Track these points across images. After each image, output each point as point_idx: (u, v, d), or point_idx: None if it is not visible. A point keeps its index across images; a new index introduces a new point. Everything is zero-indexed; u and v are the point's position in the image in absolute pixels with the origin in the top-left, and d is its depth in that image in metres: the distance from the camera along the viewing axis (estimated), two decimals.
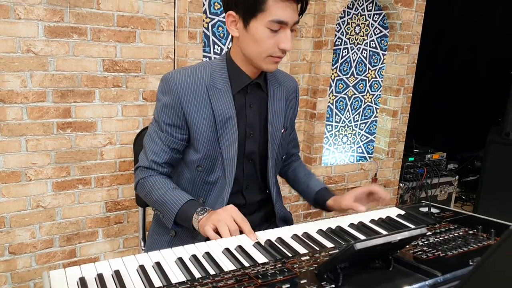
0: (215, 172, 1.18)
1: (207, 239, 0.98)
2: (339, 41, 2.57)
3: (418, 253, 0.91)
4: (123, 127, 2.05)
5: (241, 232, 0.98)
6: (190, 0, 1.93)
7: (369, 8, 2.61)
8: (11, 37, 1.74)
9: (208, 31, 2.11)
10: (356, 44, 2.64)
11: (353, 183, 2.72)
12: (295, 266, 0.79)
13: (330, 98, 2.64)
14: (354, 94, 2.74)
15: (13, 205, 1.89)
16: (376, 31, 2.69)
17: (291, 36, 1.07)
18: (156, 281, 0.75)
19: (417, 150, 3.23)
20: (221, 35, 2.15)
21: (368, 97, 2.80)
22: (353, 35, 2.61)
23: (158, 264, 0.80)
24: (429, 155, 3.22)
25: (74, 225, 2.04)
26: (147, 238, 1.38)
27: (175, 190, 1.11)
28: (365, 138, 2.88)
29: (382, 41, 2.73)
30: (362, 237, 1.03)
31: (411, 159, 3.13)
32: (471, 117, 3.82)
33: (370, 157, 2.91)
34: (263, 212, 1.30)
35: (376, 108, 2.85)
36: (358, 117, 2.81)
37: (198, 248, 0.88)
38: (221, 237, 0.96)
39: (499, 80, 3.50)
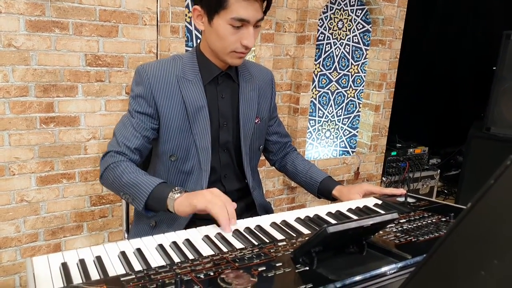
0: (189, 161, 1.21)
1: (187, 227, 1.00)
2: (322, 36, 2.60)
3: (391, 238, 0.95)
4: (107, 121, 2.05)
5: None
6: None
7: (351, 3, 2.65)
8: None
9: (191, 25, 2.12)
10: (339, 39, 2.68)
11: (336, 176, 2.76)
12: (271, 251, 0.82)
13: (313, 93, 2.68)
14: (337, 89, 2.78)
15: None
16: (359, 26, 2.73)
17: (253, 33, 1.10)
18: (137, 265, 0.77)
19: (400, 145, 3.30)
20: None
21: (351, 92, 2.85)
22: (336, 30, 2.65)
23: (139, 250, 0.82)
24: (411, 150, 3.29)
25: (59, 219, 2.04)
26: (130, 231, 1.40)
27: (147, 175, 1.11)
28: (348, 132, 2.93)
29: (365, 36, 2.78)
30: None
31: (393, 153, 3.19)
32: (454, 112, 3.88)
33: (353, 152, 2.96)
34: (243, 202, 1.33)
35: (359, 103, 2.90)
36: (341, 112, 2.85)
37: (179, 235, 0.90)
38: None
39: (481, 75, 3.55)
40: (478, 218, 0.55)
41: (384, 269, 0.80)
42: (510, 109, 2.79)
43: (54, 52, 1.87)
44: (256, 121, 1.29)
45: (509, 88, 2.77)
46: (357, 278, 0.76)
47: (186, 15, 2.06)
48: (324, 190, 1.37)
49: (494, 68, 2.83)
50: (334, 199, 1.36)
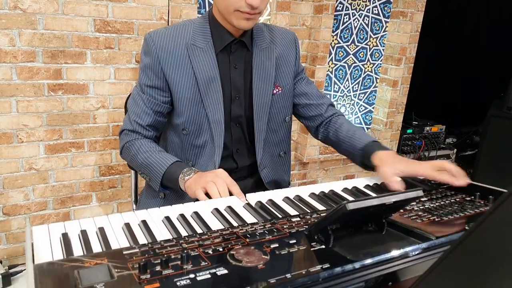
0: (202, 136, 1.14)
1: (196, 200, 0.95)
2: (340, 6, 2.48)
3: (413, 217, 0.89)
4: (116, 90, 2.00)
5: (231, 194, 0.96)
6: None
7: None
8: None
9: None
10: (358, 10, 2.55)
11: None
12: (285, 227, 0.76)
13: (329, 66, 2.58)
14: (354, 62, 2.67)
15: (5, 166, 1.86)
16: None
17: None
18: (142, 238, 0.72)
19: (416, 122, 3.20)
20: None
21: (368, 66, 2.74)
22: (355, 0, 2.52)
23: (144, 222, 0.78)
24: (428, 128, 3.19)
25: (68, 188, 2.02)
26: (138, 201, 1.37)
27: (160, 152, 1.08)
28: (363, 108, 2.83)
29: (385, 8, 2.64)
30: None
31: (409, 131, 3.09)
32: (473, 91, 3.76)
33: (368, 128, 2.87)
34: (255, 177, 1.27)
35: (376, 78, 2.79)
36: (357, 87, 2.75)
37: (187, 208, 0.85)
38: (210, 198, 0.93)
39: (503, 54, 3.43)
40: None
41: (406, 249, 0.74)
42: None
43: (62, 16, 1.80)
44: (274, 91, 1.19)
45: None
46: (377, 258, 0.70)
47: None
48: (365, 159, 1.14)
49: None
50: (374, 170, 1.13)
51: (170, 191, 1.11)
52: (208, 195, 0.94)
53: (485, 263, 0.49)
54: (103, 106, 1.99)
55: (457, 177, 1.03)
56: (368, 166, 1.15)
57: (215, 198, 0.91)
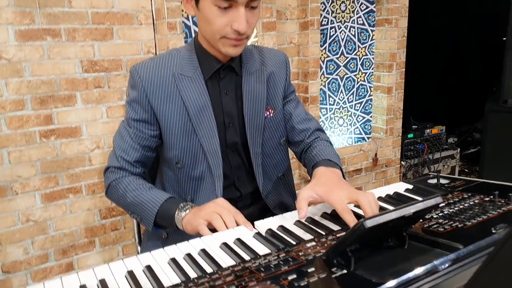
0: (198, 167, 1.09)
1: (200, 236, 0.89)
2: (325, 21, 2.48)
3: (434, 226, 0.84)
4: (110, 129, 1.96)
5: (238, 225, 0.90)
6: None
7: None
8: None
9: (188, 20, 2.02)
10: (343, 22, 2.56)
11: (353, 165, 2.64)
12: (300, 254, 0.71)
13: (321, 80, 2.56)
14: (346, 74, 2.66)
15: (2, 221, 1.80)
16: (362, 7, 2.60)
17: (244, 14, 0.93)
18: (147, 285, 0.66)
19: (416, 126, 3.16)
20: (196, 19, 2.06)
21: (360, 76, 2.72)
22: (339, 13, 2.53)
23: (149, 267, 0.72)
24: (428, 130, 3.16)
25: (69, 237, 1.95)
26: (142, 241, 1.31)
27: (151, 189, 1.03)
28: (361, 118, 2.80)
29: (370, 17, 2.65)
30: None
31: (410, 135, 3.05)
32: (466, 88, 3.76)
33: (368, 138, 2.83)
34: (260, 204, 1.20)
35: (370, 87, 2.77)
36: (353, 97, 2.73)
37: (193, 246, 0.79)
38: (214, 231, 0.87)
39: (490, 48, 3.44)
40: None
41: (434, 263, 0.68)
42: None
43: (48, 61, 1.78)
44: (266, 114, 1.14)
45: None
46: (405, 277, 0.64)
47: (182, 10, 1.95)
48: (310, 174, 1.07)
49: (504, 38, 2.70)
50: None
51: (163, 230, 1.05)
52: (212, 229, 0.88)
53: None
54: (98, 147, 1.95)
55: (366, 215, 0.85)
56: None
57: (222, 231, 0.85)
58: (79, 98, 1.87)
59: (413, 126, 3.15)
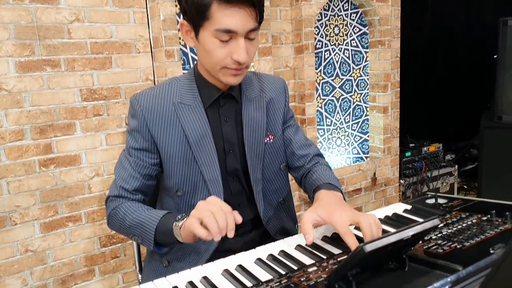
0: (198, 195, 1.09)
1: (205, 262, 0.89)
2: (319, 44, 2.54)
3: (433, 247, 0.84)
4: (109, 156, 1.97)
5: (239, 251, 0.89)
6: (164, 19, 1.88)
7: (345, 8, 2.59)
8: None
9: (186, 48, 2.06)
10: (337, 45, 2.61)
11: (352, 185, 2.65)
12: (302, 279, 0.71)
13: (318, 102, 2.59)
14: (342, 95, 2.69)
15: (0, 253, 1.79)
16: (355, 29, 2.66)
17: (244, 45, 0.95)
18: None
19: (413, 145, 3.18)
20: (196, 50, 2.10)
21: (356, 97, 2.76)
22: (332, 36, 2.58)
23: None
24: (425, 148, 3.18)
25: (68, 266, 1.94)
26: (143, 269, 1.30)
27: (149, 209, 1.02)
28: (358, 138, 2.82)
29: (363, 39, 2.71)
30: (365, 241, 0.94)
31: (408, 154, 3.07)
32: (461, 106, 3.81)
33: (366, 157, 2.85)
34: (261, 229, 1.20)
35: (366, 107, 2.80)
36: (349, 118, 2.76)
37: (195, 273, 0.80)
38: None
39: (482, 65, 3.51)
40: None
41: (434, 285, 0.69)
42: None
43: (48, 91, 1.80)
44: (266, 140, 1.15)
45: None
46: None
47: (179, 38, 2.00)
48: (312, 197, 1.09)
49: (495, 56, 2.77)
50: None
51: (165, 249, 1.03)
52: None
53: None
54: (98, 174, 1.96)
55: (366, 239, 0.85)
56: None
57: (214, 233, 0.81)
58: (79, 126, 1.89)
59: (411, 145, 3.18)
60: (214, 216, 0.83)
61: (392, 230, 1.00)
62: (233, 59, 0.96)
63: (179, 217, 0.94)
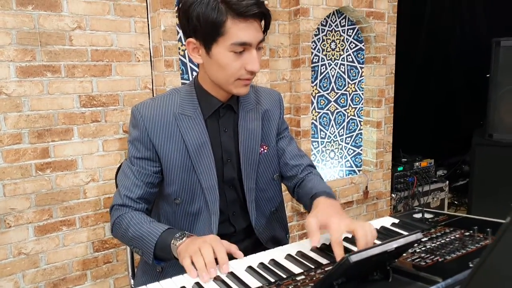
0: (195, 203, 1.12)
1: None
2: (316, 58, 2.59)
3: (417, 260, 0.88)
4: (105, 162, 2.00)
5: (231, 259, 0.92)
6: (164, 29, 1.93)
7: (342, 24, 2.65)
8: None
9: (185, 58, 2.10)
10: (333, 59, 2.67)
11: (345, 197, 2.69)
12: (290, 287, 0.74)
13: (313, 115, 2.64)
14: (337, 108, 2.74)
15: None
16: (352, 45, 2.73)
17: (257, 56, 1.01)
18: None
19: (405, 159, 3.23)
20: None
21: (350, 111, 2.81)
22: (329, 51, 2.64)
23: None
24: (417, 163, 3.22)
25: (60, 270, 1.95)
26: (136, 276, 1.32)
27: (151, 222, 1.05)
28: (352, 151, 2.87)
29: (359, 55, 2.77)
30: (357, 249, 0.98)
31: (400, 168, 3.12)
32: (453, 122, 3.86)
33: (359, 170, 2.89)
34: (253, 239, 1.23)
35: (360, 121, 2.86)
36: (343, 131, 2.81)
37: (187, 279, 0.83)
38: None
39: (476, 83, 3.57)
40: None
41: None
42: (510, 113, 2.79)
43: (47, 96, 1.83)
44: (261, 150, 1.19)
45: (506, 92, 2.78)
46: None
47: (179, 48, 2.04)
48: (310, 206, 1.11)
49: (488, 75, 2.84)
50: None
51: (165, 263, 1.06)
52: None
53: None
54: (93, 180, 1.98)
55: (359, 247, 0.89)
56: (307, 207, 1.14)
57: (201, 271, 0.84)
58: (76, 132, 1.92)
59: (403, 159, 3.22)
60: (200, 252, 0.86)
61: (379, 242, 1.03)
62: (247, 69, 1.01)
63: (178, 235, 0.97)
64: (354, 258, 0.68)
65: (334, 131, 2.76)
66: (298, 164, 1.26)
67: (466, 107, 3.79)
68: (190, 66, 2.12)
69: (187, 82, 2.13)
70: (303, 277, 0.79)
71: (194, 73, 2.14)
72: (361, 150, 2.89)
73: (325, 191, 1.16)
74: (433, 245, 0.96)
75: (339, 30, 2.65)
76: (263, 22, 1.01)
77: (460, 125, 3.78)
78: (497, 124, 2.82)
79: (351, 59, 2.74)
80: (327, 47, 2.63)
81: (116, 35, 1.94)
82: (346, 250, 0.89)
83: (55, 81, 1.84)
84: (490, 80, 2.82)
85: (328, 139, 2.74)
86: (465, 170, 3.81)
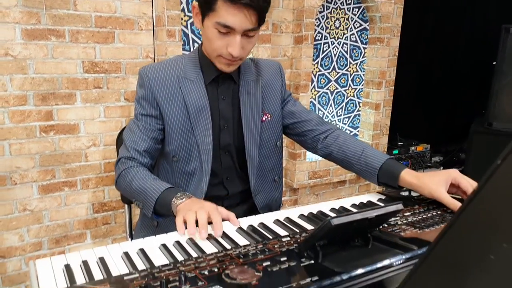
0: (192, 163, 1.20)
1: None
2: (319, 36, 2.60)
3: (397, 231, 0.94)
4: (106, 128, 2.05)
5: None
6: None
7: (348, 2, 2.65)
8: None
9: (187, 29, 2.12)
10: (336, 38, 2.68)
11: (338, 176, 2.75)
12: (276, 246, 0.81)
13: (312, 94, 2.67)
14: (336, 88, 2.77)
15: (0, 209, 1.88)
16: (356, 24, 2.73)
17: (240, 42, 1.05)
18: (140, 265, 0.76)
19: (401, 143, 3.27)
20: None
21: (350, 91, 2.84)
22: (333, 29, 2.65)
23: (142, 250, 0.81)
24: (413, 147, 3.26)
25: (62, 228, 2.03)
26: (133, 235, 1.39)
27: (155, 180, 1.11)
28: (349, 132, 2.91)
29: (363, 35, 2.77)
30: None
31: (395, 151, 3.16)
32: (455, 109, 3.84)
33: None
34: (247, 204, 1.31)
35: (359, 102, 2.89)
36: (341, 112, 2.85)
37: (182, 235, 0.89)
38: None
39: (481, 71, 3.52)
40: (486, 200, 0.54)
41: (390, 260, 0.79)
42: (511, 103, 2.77)
43: (51, 60, 1.87)
44: (263, 118, 1.25)
45: (510, 82, 2.73)
46: (363, 270, 0.75)
47: (181, 18, 2.06)
48: (387, 177, 1.15)
49: (494, 63, 2.81)
50: (401, 187, 1.15)
51: (162, 218, 1.13)
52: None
53: (457, 269, 0.53)
54: (94, 144, 2.04)
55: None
56: (388, 185, 1.18)
57: (190, 227, 0.89)
58: (79, 97, 1.96)
59: (399, 143, 3.27)
60: (196, 214, 0.91)
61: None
62: (228, 51, 1.07)
63: (179, 194, 1.02)
64: (335, 221, 0.74)
65: (333, 111, 2.80)
66: (310, 119, 1.31)
67: (469, 95, 3.75)
68: (192, 38, 2.14)
69: (194, 48, 2.16)
70: (288, 238, 0.85)
71: (196, 45, 2.16)
72: (358, 131, 2.93)
73: (392, 160, 1.18)
74: (414, 219, 1.02)
75: (344, 8, 2.65)
76: (256, 14, 1.03)
77: (462, 112, 3.74)
78: (497, 113, 2.78)
79: (354, 39, 2.75)
80: (331, 25, 2.63)
81: (120, 2, 1.96)
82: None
83: (59, 46, 1.87)
84: (496, 68, 2.76)
85: (326, 118, 2.78)
86: (461, 157, 3.83)
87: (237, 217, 1.00)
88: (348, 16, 2.68)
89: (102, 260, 0.76)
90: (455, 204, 1.04)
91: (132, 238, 1.50)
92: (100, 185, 2.09)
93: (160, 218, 1.12)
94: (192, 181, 1.20)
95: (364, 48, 2.79)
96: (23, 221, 1.94)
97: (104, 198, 2.11)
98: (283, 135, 1.37)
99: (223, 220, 0.95)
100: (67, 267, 0.73)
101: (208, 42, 1.10)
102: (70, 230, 2.06)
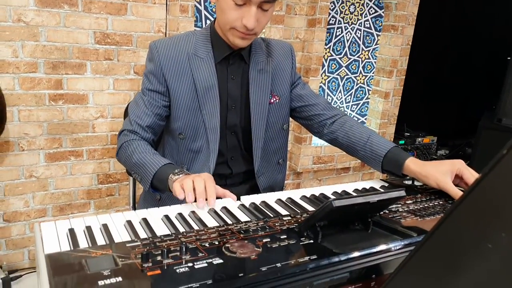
0: (198, 141, 1.19)
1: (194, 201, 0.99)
2: (333, 20, 2.57)
3: (397, 218, 0.95)
4: (115, 100, 2.05)
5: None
6: None
7: None
8: (2, 5, 1.73)
9: (200, 5, 2.10)
10: (350, 23, 2.64)
11: (342, 163, 2.75)
12: (276, 224, 0.82)
13: (322, 78, 2.65)
14: (347, 74, 2.75)
15: (7, 174, 1.91)
16: (371, 10, 2.69)
17: (255, 14, 1.04)
18: (142, 234, 0.78)
19: (408, 134, 3.26)
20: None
21: (360, 78, 2.82)
22: (347, 14, 2.61)
23: (145, 220, 0.83)
24: (419, 139, 3.25)
25: (67, 196, 2.07)
26: (136, 208, 1.42)
27: (155, 155, 1.11)
28: (356, 119, 2.90)
29: (377, 22, 2.73)
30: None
31: (401, 142, 3.16)
32: (465, 103, 3.81)
33: None
34: (249, 184, 1.32)
35: (369, 90, 2.87)
36: (350, 98, 2.83)
37: (184, 208, 0.90)
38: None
39: (495, 66, 3.48)
40: (488, 189, 0.54)
41: (388, 245, 0.80)
42: None
43: (63, 28, 1.86)
44: (272, 100, 1.24)
45: None
46: (361, 252, 0.76)
47: None
48: (391, 165, 1.15)
49: (509, 58, 2.77)
50: (404, 176, 1.16)
51: (159, 193, 1.13)
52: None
53: (455, 256, 0.53)
54: (102, 116, 2.05)
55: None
56: (392, 173, 1.18)
57: (188, 192, 0.90)
58: (89, 67, 1.96)
59: (406, 133, 3.26)
60: (193, 183, 0.92)
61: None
62: (242, 23, 1.05)
63: (177, 171, 1.02)
64: (337, 203, 0.74)
65: (341, 97, 2.79)
66: (317, 103, 1.31)
67: (480, 90, 3.72)
68: (204, 14, 2.12)
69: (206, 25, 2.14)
70: (289, 218, 0.86)
71: (208, 22, 2.14)
72: (365, 119, 2.92)
73: (397, 148, 1.19)
74: (415, 207, 1.03)
75: None
76: None
77: (471, 107, 3.72)
78: (508, 109, 2.77)
79: (368, 25, 2.71)
80: (346, 9, 2.59)
81: None
82: None
83: (71, 15, 1.86)
84: (510, 63, 2.74)
85: (334, 104, 2.77)
86: (468, 152, 3.82)
87: (240, 195, 1.01)
88: (364, 2, 2.64)
89: (105, 226, 0.78)
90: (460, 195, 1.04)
91: (136, 208, 1.52)
92: (106, 157, 2.11)
93: (157, 192, 1.12)
94: (197, 159, 1.21)
95: (378, 35, 2.76)
96: (29, 187, 1.97)
97: (109, 170, 2.14)
98: (290, 119, 1.37)
99: (219, 197, 0.96)
100: (71, 231, 0.75)
101: (222, 14, 1.08)
102: (74, 199, 2.09)
